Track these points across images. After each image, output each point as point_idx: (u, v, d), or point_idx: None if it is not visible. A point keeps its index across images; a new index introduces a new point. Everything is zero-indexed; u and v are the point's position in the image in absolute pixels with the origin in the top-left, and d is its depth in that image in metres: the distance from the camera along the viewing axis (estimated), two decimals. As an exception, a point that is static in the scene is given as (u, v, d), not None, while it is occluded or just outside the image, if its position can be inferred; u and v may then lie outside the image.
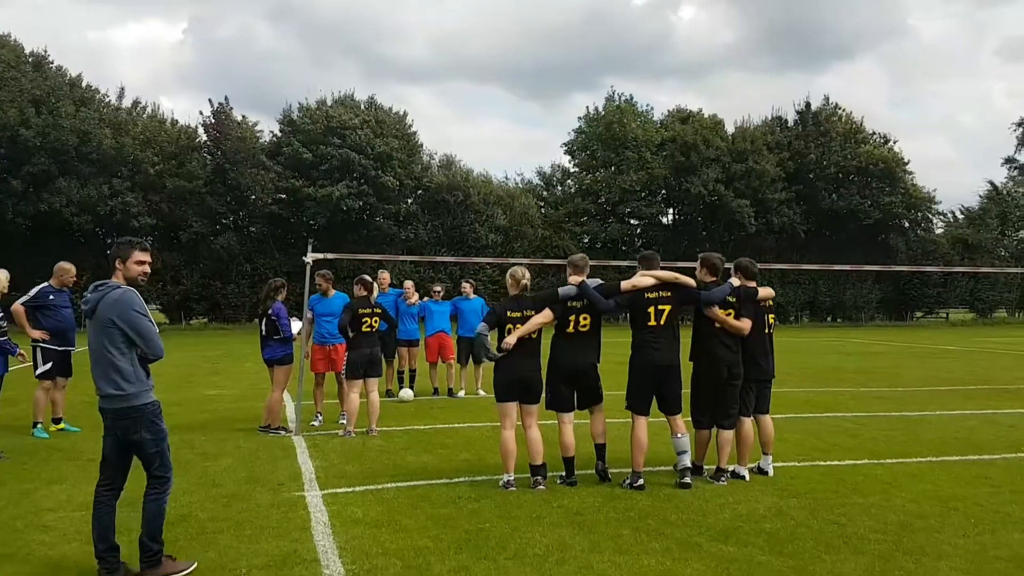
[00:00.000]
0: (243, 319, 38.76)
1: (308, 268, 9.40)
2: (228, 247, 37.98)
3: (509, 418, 6.49)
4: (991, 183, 50.28)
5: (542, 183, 46.59)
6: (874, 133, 46.47)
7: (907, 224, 46.78)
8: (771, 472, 6.91)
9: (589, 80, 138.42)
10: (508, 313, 6.47)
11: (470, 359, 12.78)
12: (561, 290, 6.59)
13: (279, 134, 40.57)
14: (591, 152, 43.52)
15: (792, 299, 44.73)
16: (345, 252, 33.99)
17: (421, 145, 42.14)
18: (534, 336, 6.49)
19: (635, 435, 6.52)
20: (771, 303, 7.10)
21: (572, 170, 45.94)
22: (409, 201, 41.97)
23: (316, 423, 9.82)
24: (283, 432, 9.06)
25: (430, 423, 9.86)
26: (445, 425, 9.74)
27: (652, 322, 6.51)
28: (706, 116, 44.53)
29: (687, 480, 6.44)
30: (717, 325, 6.62)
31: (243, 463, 7.55)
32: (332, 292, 10.15)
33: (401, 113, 41.68)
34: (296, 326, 9.51)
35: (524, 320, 6.42)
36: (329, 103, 40.75)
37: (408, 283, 12.70)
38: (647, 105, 46.49)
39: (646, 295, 6.54)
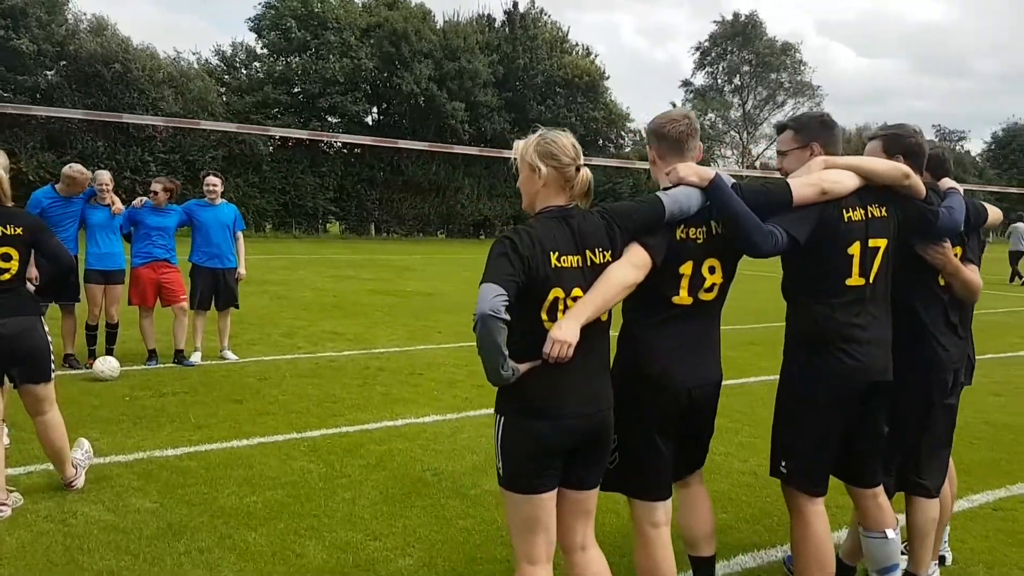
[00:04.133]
0: None
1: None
2: None
3: (537, 538, 2.50)
4: (672, 104, 52.84)
5: (222, 64, 39.18)
6: (577, 44, 45.85)
7: (601, 142, 47.22)
8: (949, 558, 3.75)
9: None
10: (552, 262, 2.47)
11: (211, 301, 8.14)
12: (667, 197, 2.71)
13: None
14: (284, 31, 37.14)
15: (499, 212, 43.24)
16: None
17: (65, 2, 32.85)
18: (603, 319, 2.58)
19: (810, 542, 2.93)
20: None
21: (260, 51, 39.19)
22: (50, 73, 32.74)
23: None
24: None
25: (151, 440, 5.36)
26: (179, 449, 5.31)
27: (856, 278, 2.90)
28: (413, 4, 40.36)
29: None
30: (940, 282, 3.20)
31: None
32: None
33: (34, -47, 31.84)
34: None
35: (587, 279, 2.52)
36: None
37: (103, 175, 7.57)
38: (347, -16, 40.68)
39: (844, 214, 2.89)
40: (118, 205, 7.52)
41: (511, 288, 2.32)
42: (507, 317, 2.26)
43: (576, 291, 2.48)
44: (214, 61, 38.97)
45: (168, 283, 7.81)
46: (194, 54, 49.69)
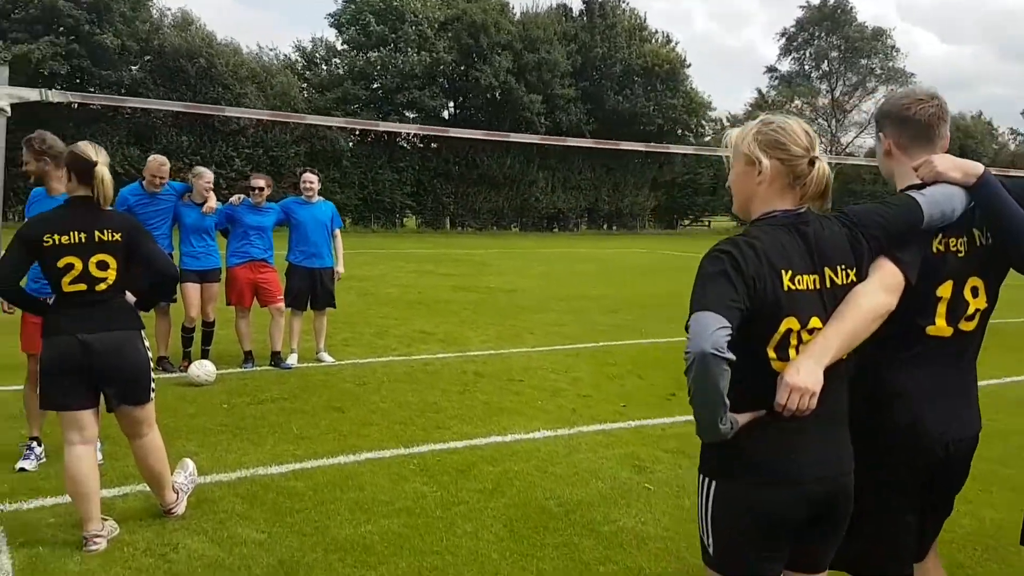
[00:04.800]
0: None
1: (1, 132, 4.03)
2: None
3: None
4: (758, 90, 51.34)
5: (303, 60, 39.56)
6: (656, 32, 44.85)
7: (680, 132, 46.05)
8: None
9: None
10: (784, 284, 1.94)
11: (308, 301, 7.89)
12: (923, 198, 2.16)
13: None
14: (363, 26, 37.24)
15: (574, 205, 42.67)
16: (56, 127, 26.22)
17: (150, -4, 33.59)
18: (845, 359, 2.04)
19: None
20: None
21: (340, 47, 39.43)
22: (134, 68, 33.56)
23: (29, 463, 4.70)
24: None
25: (233, 457, 5.05)
26: (284, 467, 4.98)
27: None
28: (491, -3, 40.11)
29: None
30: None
31: None
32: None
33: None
34: None
35: (826, 305, 2.00)
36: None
37: (206, 173, 7.36)
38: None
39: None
40: (211, 203, 7.29)
41: (735, 318, 1.83)
42: (732, 356, 1.78)
43: (814, 321, 1.97)
44: (293, 56, 39.37)
45: (265, 283, 7.57)
46: (271, 49, 50.21)
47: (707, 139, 48.27)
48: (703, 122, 46.66)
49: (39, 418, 4.87)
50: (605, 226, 45.14)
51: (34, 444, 4.81)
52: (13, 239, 3.67)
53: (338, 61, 39.34)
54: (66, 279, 3.64)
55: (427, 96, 37.37)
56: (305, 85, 38.45)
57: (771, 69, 53.47)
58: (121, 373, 3.69)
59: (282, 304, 7.71)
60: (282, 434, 5.47)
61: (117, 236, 3.69)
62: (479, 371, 7.61)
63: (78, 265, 3.63)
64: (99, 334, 3.64)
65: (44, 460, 4.80)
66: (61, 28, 30.30)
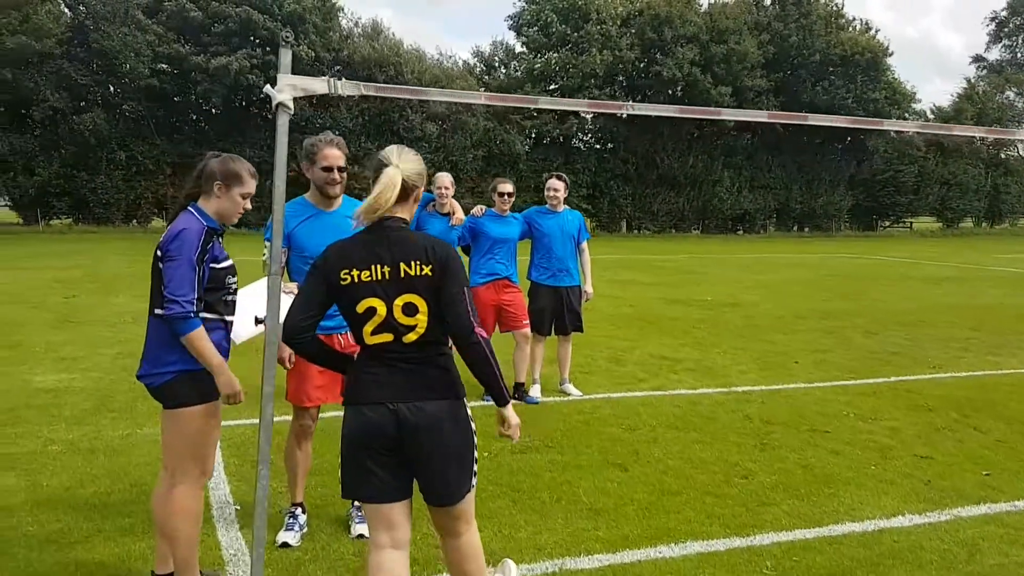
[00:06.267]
0: (117, 219, 31.17)
1: (282, 131, 3.15)
2: (95, 129, 29.91)
3: None
4: (967, 80, 46.49)
5: (481, 65, 39.37)
6: (854, 19, 41.39)
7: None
8: None
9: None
10: None
11: (552, 325, 6.86)
12: None
13: (159, -16, 31.95)
14: (544, 27, 36.48)
15: (761, 206, 40.08)
16: (242, 138, 27.44)
17: (340, 8, 34.35)
18: None
19: None
20: None
21: (519, 50, 38.91)
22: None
23: (292, 535, 3.86)
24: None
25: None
26: (594, 558, 3.85)
27: None
28: (676, -12, 38.32)
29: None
30: None
31: None
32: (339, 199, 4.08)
33: (315, -37, 33.51)
34: (249, 325, 3.57)
35: None
36: (223, -53, 32.22)
37: (444, 177, 6.46)
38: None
39: None
40: (459, 214, 6.39)
41: None
42: None
43: None
44: (472, 61, 39.26)
45: (509, 305, 6.59)
46: (451, 57, 50.77)
47: (910, 134, 44.16)
48: (906, 115, 42.61)
49: (302, 480, 4.05)
50: (795, 228, 42.14)
51: (298, 511, 3.99)
52: (308, 274, 2.77)
53: (516, 64, 38.84)
54: (368, 327, 2.68)
55: (606, 95, 36.13)
56: (483, 89, 38.23)
57: (978, 58, 48.22)
58: (441, 457, 2.70)
59: (528, 329, 6.70)
60: (569, 503, 4.40)
61: (427, 269, 2.70)
62: (765, 416, 6.28)
63: (381, 309, 2.66)
64: (411, 403, 2.66)
65: (306, 530, 3.96)
66: (257, 40, 31.44)
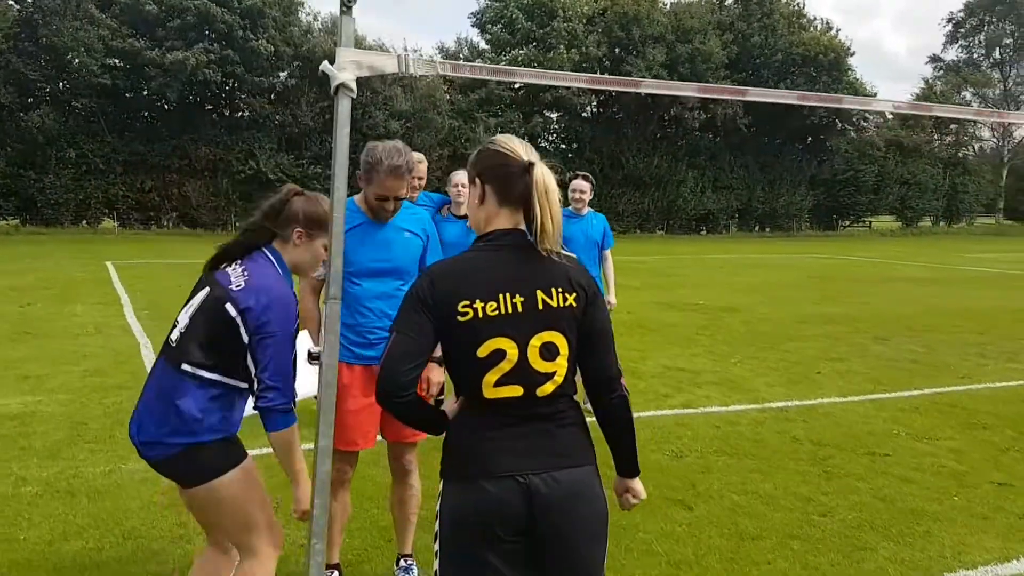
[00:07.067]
0: (66, 220, 29.80)
1: (343, 119, 2.52)
2: (44, 126, 28.54)
3: None
4: (925, 80, 47.17)
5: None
6: (816, 18, 41.68)
7: (842, 126, 42.52)
8: None
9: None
10: None
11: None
12: None
13: (111, -24, 30.64)
14: (509, 23, 35.94)
15: (724, 206, 40.03)
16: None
17: (300, 2, 33.34)
18: None
19: None
20: None
21: (483, 47, 38.31)
22: (284, 74, 33.39)
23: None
24: None
25: None
26: None
27: None
28: (642, -13, 38.11)
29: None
30: None
31: None
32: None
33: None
34: (303, 370, 2.96)
35: None
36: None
37: (458, 175, 5.81)
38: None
39: None
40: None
41: None
42: None
43: None
44: (437, 58, 38.50)
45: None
46: (415, 51, 49.83)
47: (869, 133, 44.65)
48: (867, 116, 43.01)
49: (339, 537, 3.43)
50: (758, 228, 42.23)
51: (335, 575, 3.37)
52: (405, 309, 2.12)
53: (481, 61, 38.20)
54: (490, 376, 2.06)
55: (572, 93, 35.76)
56: (447, 87, 37.56)
57: (935, 58, 49.01)
58: (582, 536, 2.10)
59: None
60: (643, 554, 3.84)
61: (570, 299, 2.10)
62: (813, 437, 5.79)
63: (511, 352, 2.05)
64: (546, 474, 2.06)
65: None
66: (215, 35, 30.35)
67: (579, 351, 2.13)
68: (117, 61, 29.72)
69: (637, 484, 2.29)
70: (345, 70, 2.53)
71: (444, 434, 2.21)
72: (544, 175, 2.12)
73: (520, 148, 2.20)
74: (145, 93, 30.82)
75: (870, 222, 46.95)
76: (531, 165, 2.13)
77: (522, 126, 36.03)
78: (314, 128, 32.54)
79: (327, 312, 2.53)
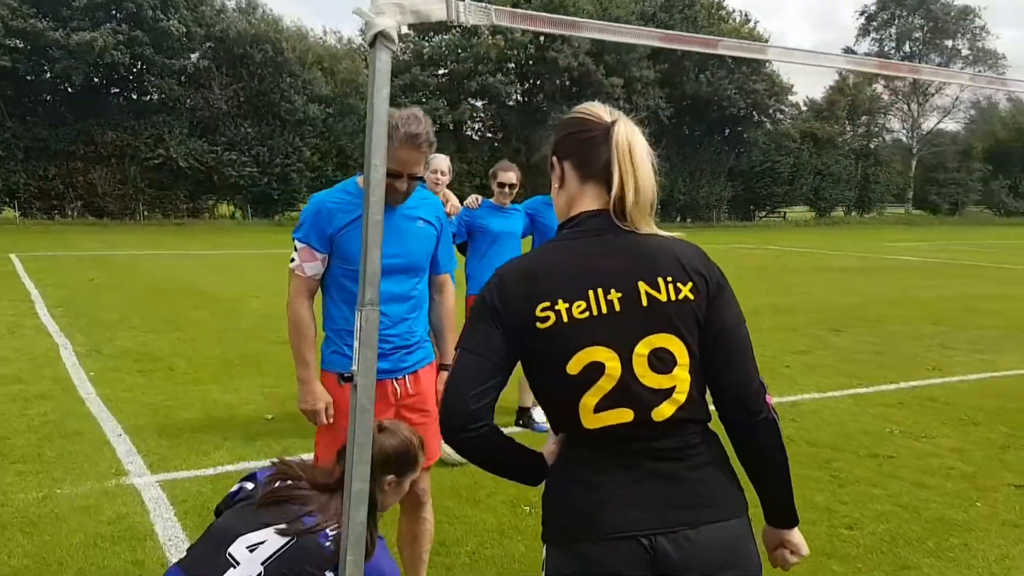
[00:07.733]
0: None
1: (382, 79, 1.99)
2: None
3: None
4: (839, 73, 48.38)
5: (367, 46, 37.49)
6: (735, 11, 42.34)
7: (759, 117, 43.35)
8: None
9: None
10: None
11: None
12: None
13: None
14: (432, 9, 35.09)
15: (649, 196, 40.28)
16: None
17: (214, -20, 31.88)
18: None
19: None
20: None
21: (405, 31, 37.28)
22: (196, 55, 31.88)
23: None
24: None
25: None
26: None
27: None
28: (568, -27, 37.83)
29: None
30: None
31: None
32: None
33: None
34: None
35: None
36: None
37: (440, 160, 5.29)
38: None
39: None
40: (454, 202, 5.30)
41: None
42: None
43: None
44: (358, 41, 37.52)
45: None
46: (335, 32, 48.58)
47: (786, 123, 45.70)
48: (783, 107, 44.02)
49: None
50: (679, 218, 42.71)
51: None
52: (474, 320, 1.64)
53: (403, 46, 37.32)
54: (588, 398, 1.58)
55: (499, 81, 35.31)
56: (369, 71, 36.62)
57: (848, 51, 50.55)
58: None
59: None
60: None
61: (685, 290, 1.63)
62: (807, 437, 5.52)
63: (611, 364, 1.58)
64: (677, 532, 1.60)
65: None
66: (122, 14, 28.69)
67: (704, 360, 1.67)
68: (18, 42, 27.87)
69: (796, 536, 1.85)
70: (384, 14, 1.99)
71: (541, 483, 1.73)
72: (628, 133, 1.67)
73: (602, 110, 1.73)
74: (48, 76, 29.09)
75: (784, 212, 48.16)
76: (613, 124, 1.64)
77: (448, 113, 35.39)
78: (227, 112, 31.19)
79: (362, 321, 1.98)
